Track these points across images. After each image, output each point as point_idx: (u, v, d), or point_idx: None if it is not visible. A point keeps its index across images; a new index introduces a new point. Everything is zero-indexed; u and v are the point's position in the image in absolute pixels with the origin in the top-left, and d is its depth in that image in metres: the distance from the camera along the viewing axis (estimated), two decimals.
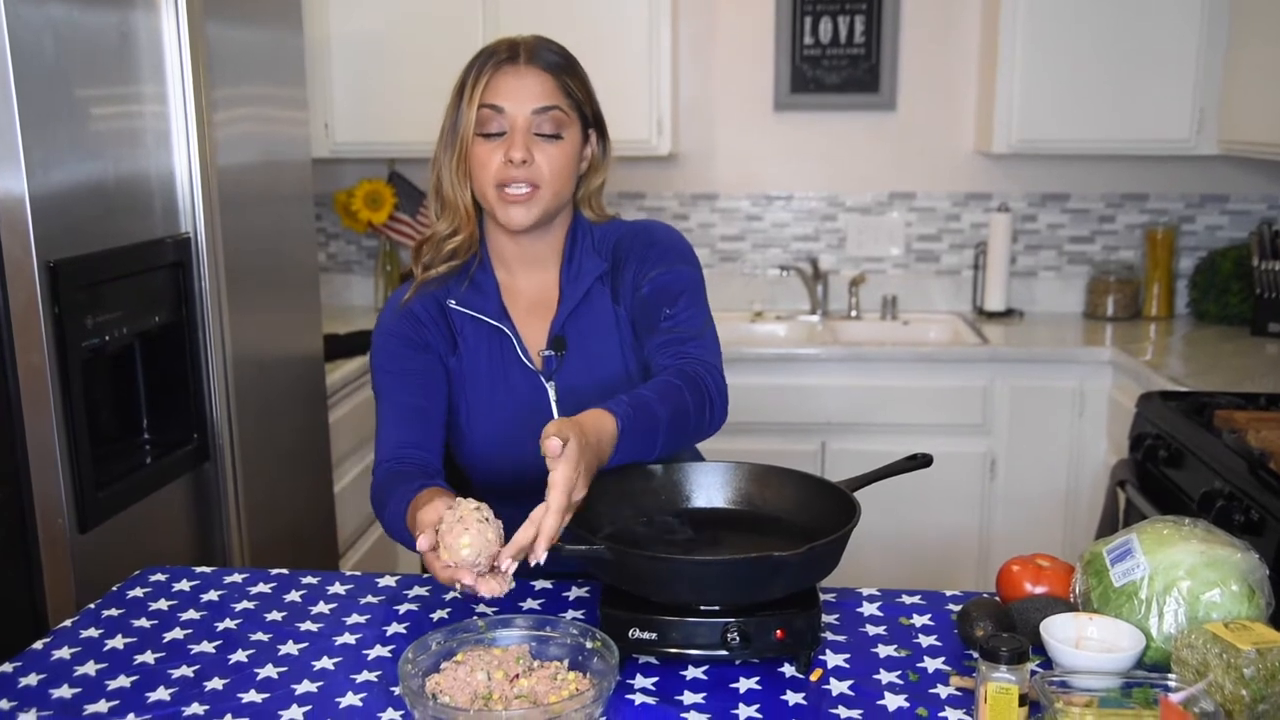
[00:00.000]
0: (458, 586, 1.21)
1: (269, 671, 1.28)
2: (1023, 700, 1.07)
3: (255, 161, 2.29)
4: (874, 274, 3.72)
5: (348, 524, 2.85)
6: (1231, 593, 1.19)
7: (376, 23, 3.32)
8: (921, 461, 1.49)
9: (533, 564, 1.18)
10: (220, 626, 1.39)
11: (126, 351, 2.01)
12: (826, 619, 1.37)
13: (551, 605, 1.45)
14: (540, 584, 1.51)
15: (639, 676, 1.24)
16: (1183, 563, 1.22)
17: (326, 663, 1.30)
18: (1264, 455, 2.03)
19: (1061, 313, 3.66)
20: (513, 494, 1.38)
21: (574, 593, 1.48)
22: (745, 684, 1.22)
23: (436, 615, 1.42)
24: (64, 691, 1.23)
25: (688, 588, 1.23)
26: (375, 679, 1.26)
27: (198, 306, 2.07)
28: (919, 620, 1.38)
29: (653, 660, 1.27)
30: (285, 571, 1.57)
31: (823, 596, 1.37)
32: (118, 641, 1.35)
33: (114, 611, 1.44)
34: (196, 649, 1.33)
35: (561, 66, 1.53)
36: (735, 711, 1.17)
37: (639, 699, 1.19)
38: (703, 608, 1.23)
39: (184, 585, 1.52)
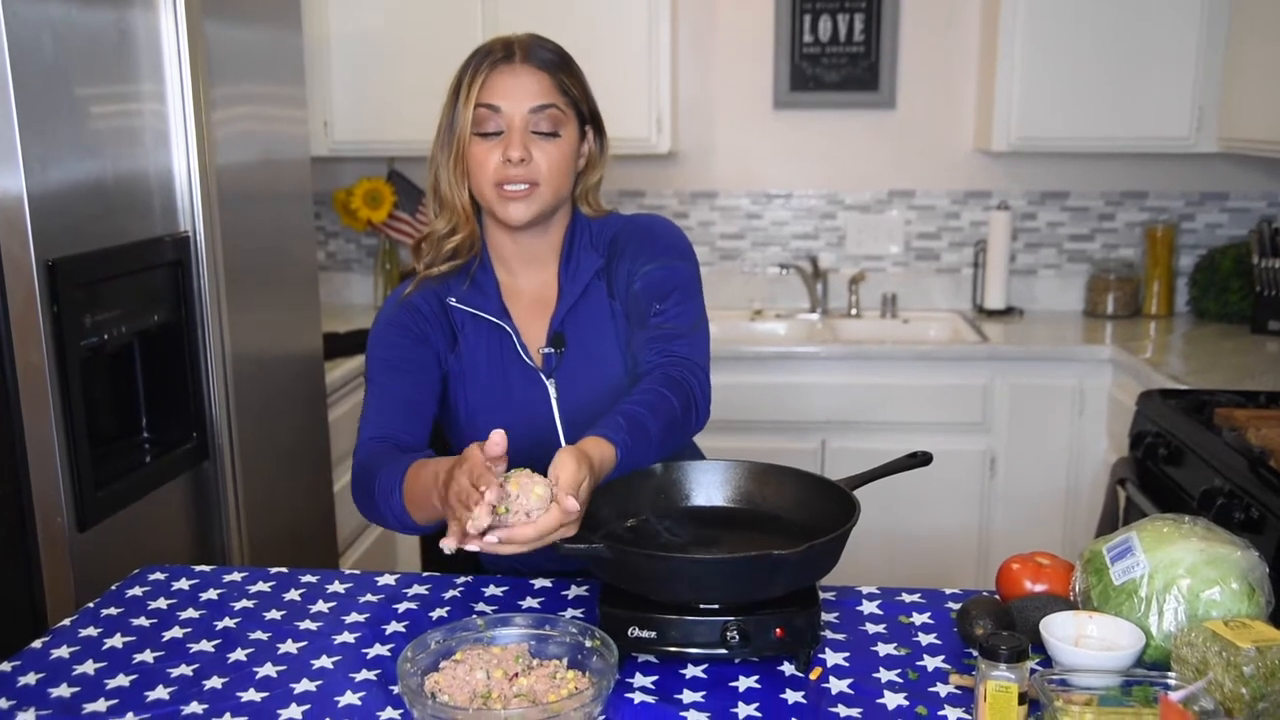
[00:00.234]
0: (468, 533, 1.17)
1: (268, 670, 1.28)
2: (1022, 699, 1.07)
3: (254, 160, 2.28)
4: (874, 272, 3.71)
5: (347, 523, 2.85)
6: (1231, 591, 1.19)
7: (376, 21, 3.32)
8: (921, 460, 1.49)
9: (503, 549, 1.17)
10: (219, 625, 1.39)
11: (125, 350, 2.00)
12: (826, 617, 1.37)
13: (551, 604, 1.45)
14: (539, 582, 1.51)
15: (638, 675, 1.24)
16: (1182, 561, 1.22)
17: (325, 661, 1.30)
18: (1264, 453, 2.03)
19: (1061, 311, 3.66)
20: None
21: (573, 591, 1.48)
22: (745, 683, 1.22)
23: (435, 614, 1.42)
24: (63, 690, 1.23)
25: (687, 586, 1.23)
26: (374, 678, 1.26)
27: (197, 305, 2.07)
28: (918, 618, 1.38)
29: (652, 659, 1.26)
30: (284, 570, 1.57)
31: (822, 595, 1.37)
32: (116, 640, 1.35)
33: (113, 610, 1.44)
34: (195, 648, 1.33)
35: (557, 64, 1.52)
36: (735, 710, 1.17)
37: (638, 698, 1.19)
38: (702, 606, 1.23)
39: (183, 584, 1.52)
